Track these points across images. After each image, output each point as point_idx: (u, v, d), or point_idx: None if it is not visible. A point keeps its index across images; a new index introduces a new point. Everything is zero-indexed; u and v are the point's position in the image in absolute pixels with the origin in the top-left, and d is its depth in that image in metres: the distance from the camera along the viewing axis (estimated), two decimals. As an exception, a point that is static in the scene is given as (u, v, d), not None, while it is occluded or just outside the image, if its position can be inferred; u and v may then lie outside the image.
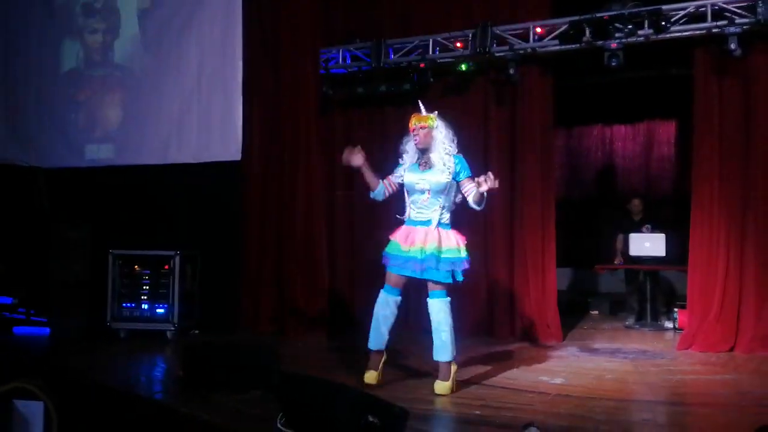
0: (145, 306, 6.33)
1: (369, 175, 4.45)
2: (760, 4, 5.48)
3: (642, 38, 5.97)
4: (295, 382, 3.42)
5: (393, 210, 4.57)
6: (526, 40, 6.36)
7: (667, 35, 5.92)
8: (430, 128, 4.33)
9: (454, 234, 4.32)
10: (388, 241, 4.40)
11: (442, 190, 4.28)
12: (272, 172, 6.91)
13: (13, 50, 7.68)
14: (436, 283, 4.23)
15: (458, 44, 6.65)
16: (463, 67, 6.72)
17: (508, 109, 6.61)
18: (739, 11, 5.66)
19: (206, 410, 3.80)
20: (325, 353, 5.74)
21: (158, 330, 6.26)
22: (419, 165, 4.36)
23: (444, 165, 4.27)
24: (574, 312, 8.06)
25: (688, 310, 6.03)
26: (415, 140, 4.36)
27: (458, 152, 4.37)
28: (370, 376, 4.32)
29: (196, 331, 6.57)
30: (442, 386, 4.20)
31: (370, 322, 4.42)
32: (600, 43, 6.02)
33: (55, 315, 6.01)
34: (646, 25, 5.92)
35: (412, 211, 4.37)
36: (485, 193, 4.09)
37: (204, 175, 6.81)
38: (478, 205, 4.25)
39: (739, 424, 3.68)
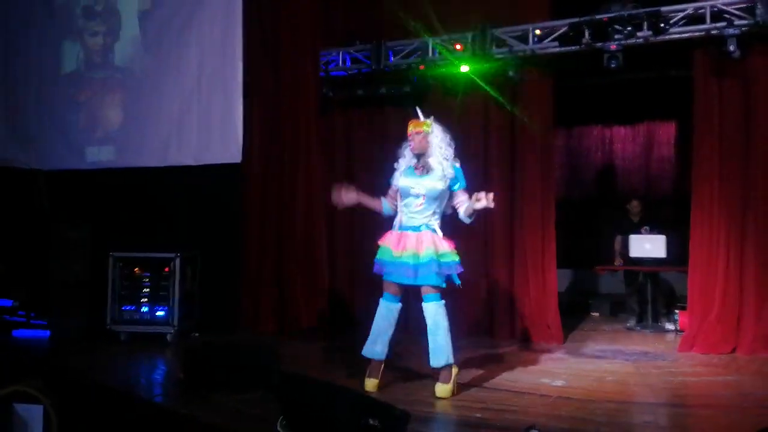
0: (145, 308, 6.32)
1: (369, 203, 4.47)
2: (759, 6, 5.48)
3: (641, 40, 5.98)
4: (295, 383, 3.42)
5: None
6: (526, 42, 6.36)
7: (666, 37, 5.93)
8: (426, 134, 4.33)
9: (445, 239, 4.32)
10: (378, 247, 4.40)
11: (437, 197, 4.28)
12: (272, 173, 6.91)
13: (14, 51, 7.67)
14: (431, 286, 4.23)
15: (458, 46, 6.65)
16: (463, 69, 6.72)
17: (507, 110, 6.60)
18: (737, 13, 5.66)
19: (206, 411, 3.81)
20: (326, 354, 5.74)
21: (158, 332, 6.25)
22: (415, 169, 4.35)
23: (442, 171, 4.26)
24: (575, 313, 8.05)
25: (689, 310, 6.03)
26: (411, 145, 4.35)
27: (456, 157, 4.36)
28: (371, 384, 4.32)
29: (197, 334, 6.57)
30: (443, 389, 4.19)
31: (370, 323, 4.42)
32: (599, 44, 6.03)
33: (55, 315, 6.00)
34: (645, 27, 5.92)
35: (403, 216, 4.35)
36: (478, 209, 4.12)
37: (204, 176, 6.80)
38: (469, 218, 4.29)
39: (741, 426, 3.69)
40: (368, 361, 4.39)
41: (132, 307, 6.32)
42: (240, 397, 4.06)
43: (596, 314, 8.45)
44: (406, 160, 4.44)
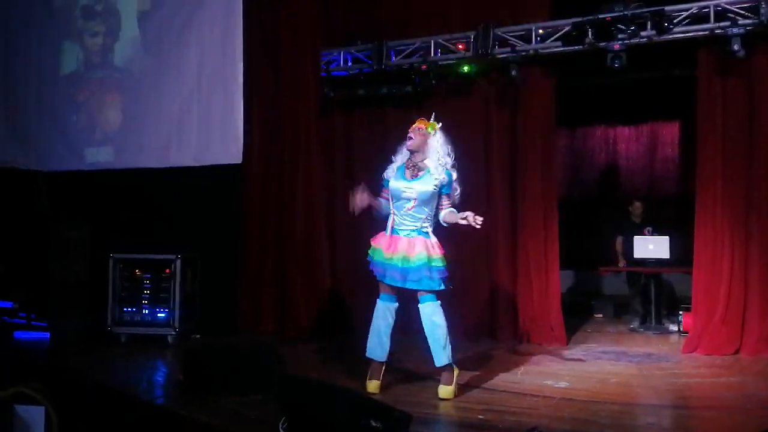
0: (145, 310, 6.30)
1: (377, 204, 4.41)
2: (764, 5, 5.45)
3: (645, 39, 5.95)
4: (295, 384, 3.40)
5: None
6: (528, 42, 6.34)
7: (670, 36, 5.90)
8: (427, 133, 4.31)
9: (437, 243, 4.29)
10: (370, 245, 4.39)
11: (428, 200, 4.25)
12: (272, 173, 6.90)
13: (13, 52, 7.66)
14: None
15: (460, 46, 6.63)
16: (465, 68, 6.70)
17: (510, 110, 6.58)
18: (742, 12, 5.63)
19: (207, 413, 3.79)
20: (326, 355, 5.71)
21: (159, 334, 6.23)
22: (407, 169, 4.31)
23: (435, 174, 4.22)
24: (578, 314, 8.02)
25: (693, 312, 6.00)
26: (408, 140, 4.32)
27: (453, 166, 4.32)
28: (373, 386, 4.29)
29: (197, 335, 6.55)
30: (446, 390, 4.17)
31: (370, 326, 4.39)
32: (603, 44, 5.99)
33: (55, 317, 5.99)
34: (648, 27, 5.89)
35: (395, 218, 4.32)
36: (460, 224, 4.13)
37: (204, 176, 6.79)
38: (446, 223, 4.29)
39: (745, 428, 3.66)
40: (369, 362, 4.36)
41: (132, 308, 6.30)
42: (240, 399, 4.05)
43: (599, 315, 8.43)
44: (401, 157, 4.40)
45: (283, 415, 3.38)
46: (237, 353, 4.61)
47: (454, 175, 4.32)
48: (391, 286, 4.30)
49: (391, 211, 4.35)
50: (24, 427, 4.53)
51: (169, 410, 3.97)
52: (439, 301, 4.25)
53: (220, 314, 6.64)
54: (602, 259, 8.15)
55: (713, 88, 5.88)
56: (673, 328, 7.05)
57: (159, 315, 6.28)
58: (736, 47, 5.53)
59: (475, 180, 6.52)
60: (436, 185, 4.22)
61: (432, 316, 4.21)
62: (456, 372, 4.28)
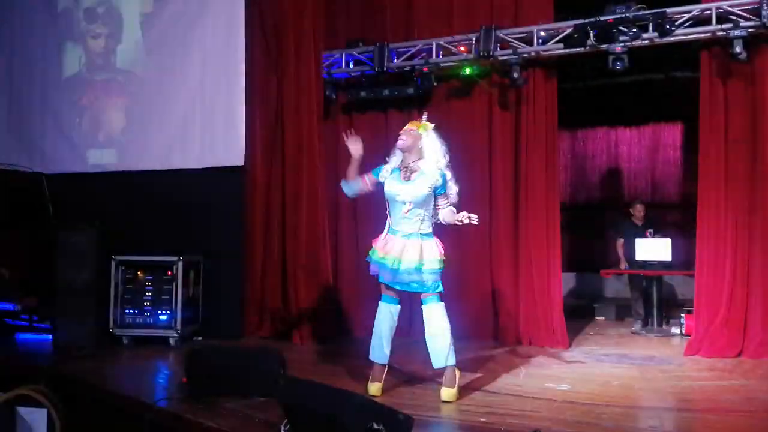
0: (147, 312, 6.30)
1: (355, 167, 4.39)
2: (765, 7, 5.45)
3: (647, 41, 5.96)
4: (299, 387, 3.40)
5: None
6: (530, 44, 6.35)
7: (672, 38, 5.91)
8: (419, 135, 4.30)
9: (436, 244, 4.28)
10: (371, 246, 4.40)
11: (423, 202, 4.24)
12: (275, 176, 6.89)
13: (17, 54, 7.67)
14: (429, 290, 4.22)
15: (462, 48, 6.64)
16: (467, 70, 6.71)
17: (512, 112, 6.59)
18: (744, 14, 5.63)
19: (210, 416, 3.78)
20: (330, 358, 5.71)
21: (161, 336, 6.23)
22: (401, 173, 4.30)
23: (429, 176, 4.20)
24: (580, 317, 8.02)
25: (695, 314, 5.99)
26: (400, 140, 4.32)
27: (448, 166, 4.31)
28: (375, 388, 4.28)
29: (200, 338, 6.55)
30: (448, 393, 4.16)
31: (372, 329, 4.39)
32: (605, 46, 6.00)
33: (61, 320, 5.98)
34: (650, 29, 5.91)
35: (392, 220, 4.32)
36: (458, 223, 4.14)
37: (206, 179, 6.79)
38: (444, 222, 4.28)
39: (748, 431, 3.65)
40: (371, 364, 4.36)
41: (135, 310, 6.30)
42: (244, 402, 4.04)
43: (601, 318, 8.43)
44: (395, 159, 4.40)
45: (286, 418, 3.38)
46: (241, 355, 4.61)
47: (449, 175, 4.30)
48: (394, 288, 4.30)
49: (388, 213, 4.35)
50: (26, 428, 4.54)
51: (173, 413, 3.96)
52: (443, 303, 4.24)
53: (223, 317, 6.64)
54: (605, 262, 8.16)
55: (715, 89, 5.88)
56: (675, 330, 7.05)
57: (161, 317, 6.28)
58: (738, 49, 5.53)
59: (477, 182, 6.54)
60: (430, 187, 4.21)
61: (435, 317, 4.20)
62: (458, 374, 4.28)
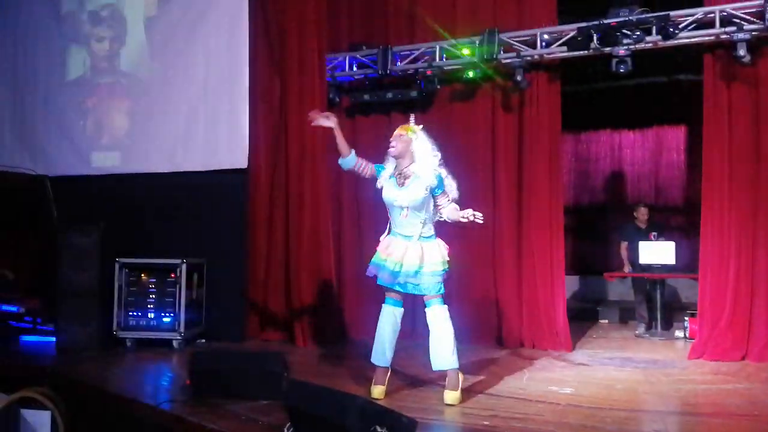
0: (151, 315, 6.31)
1: (341, 139, 4.38)
2: (770, 10, 5.45)
3: (650, 44, 5.95)
4: (302, 390, 3.40)
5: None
6: (534, 47, 6.35)
7: (676, 41, 5.90)
8: (409, 139, 4.29)
9: (438, 246, 4.29)
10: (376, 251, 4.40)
11: (421, 206, 4.24)
12: (278, 178, 6.90)
13: (21, 58, 7.69)
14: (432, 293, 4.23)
15: (465, 51, 6.64)
16: (471, 74, 6.71)
17: (515, 115, 6.59)
18: (747, 17, 5.63)
19: (213, 419, 3.78)
20: (333, 361, 5.71)
21: (164, 339, 6.23)
22: (396, 179, 4.30)
23: (424, 179, 4.20)
24: (583, 320, 8.01)
25: (699, 317, 5.98)
26: (391, 147, 4.32)
27: (441, 165, 4.30)
28: (378, 391, 4.28)
29: (203, 340, 6.56)
30: (452, 396, 4.16)
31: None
32: (608, 49, 6.00)
33: (64, 322, 5.99)
34: (654, 32, 5.90)
35: (392, 223, 4.34)
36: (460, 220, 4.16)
37: (210, 182, 6.80)
38: (450, 221, 4.29)
39: (752, 435, 3.64)
40: (375, 367, 4.36)
41: (138, 313, 6.31)
42: (247, 405, 4.04)
43: (605, 321, 8.42)
44: (389, 165, 4.39)
45: (289, 421, 3.38)
46: (244, 358, 4.61)
47: (444, 173, 4.30)
48: (398, 291, 4.31)
49: (389, 218, 4.36)
50: (30, 430, 4.55)
51: (176, 415, 3.96)
52: (446, 305, 4.25)
53: (227, 320, 6.64)
54: (608, 265, 8.14)
55: (719, 92, 5.88)
56: (679, 334, 7.03)
57: (164, 319, 6.28)
58: (741, 52, 5.53)
59: (480, 185, 6.54)
60: (426, 189, 4.21)
61: (437, 319, 4.21)
62: (461, 377, 4.28)
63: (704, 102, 5.96)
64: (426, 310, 4.27)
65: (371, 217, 6.57)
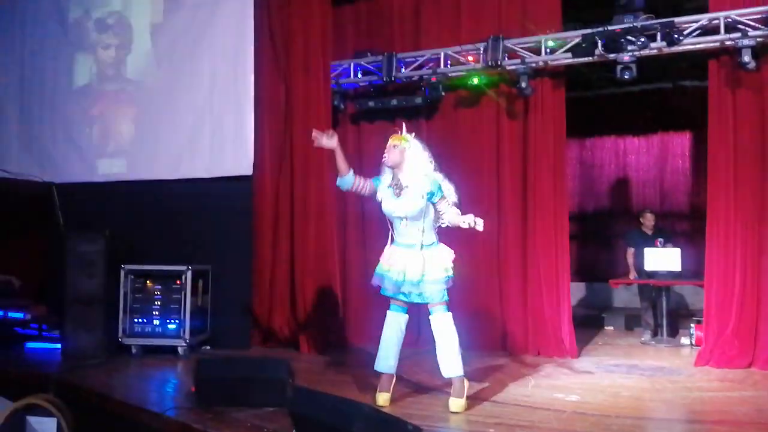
0: (156, 321, 6.32)
1: (340, 159, 4.38)
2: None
3: (655, 51, 5.95)
4: (308, 398, 3.40)
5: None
6: (538, 53, 6.35)
7: (680, 48, 5.90)
8: (402, 148, 4.28)
9: (441, 252, 4.28)
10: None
11: (419, 214, 4.23)
12: (284, 185, 6.91)
13: (28, 65, 7.74)
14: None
15: (470, 58, 6.65)
16: (475, 80, 6.72)
17: (520, 121, 6.59)
18: (752, 23, 5.63)
19: (218, 426, 3.78)
20: (338, 368, 5.71)
21: (170, 346, 6.24)
22: (393, 190, 4.30)
23: (419, 187, 4.20)
24: (589, 327, 7.98)
25: (705, 324, 5.96)
26: (385, 158, 4.32)
27: (437, 170, 4.30)
28: (383, 399, 4.28)
29: (208, 347, 6.57)
30: (457, 403, 4.15)
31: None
32: (613, 56, 6.01)
33: (70, 329, 6.01)
34: (658, 38, 5.91)
35: (394, 233, 4.35)
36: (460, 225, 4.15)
37: (215, 188, 6.81)
38: (451, 224, 4.28)
39: (759, 443, 3.62)
40: (379, 374, 4.36)
41: (144, 320, 6.32)
42: (252, 412, 4.04)
43: (610, 328, 8.39)
44: (386, 176, 4.39)
45: (294, 428, 3.38)
46: (250, 365, 4.61)
47: (440, 177, 4.30)
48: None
49: (389, 226, 4.37)
50: (36, 438, 4.56)
51: (181, 422, 3.96)
52: (450, 313, 4.25)
53: (232, 327, 6.64)
54: (614, 272, 8.12)
55: (724, 98, 5.87)
56: (685, 341, 7.01)
57: (170, 326, 6.29)
58: (746, 58, 5.53)
59: (484, 192, 6.54)
60: (423, 197, 4.21)
61: (443, 327, 4.21)
62: (466, 384, 4.26)
63: (709, 108, 5.96)
64: (430, 317, 4.27)
65: (376, 223, 6.55)
